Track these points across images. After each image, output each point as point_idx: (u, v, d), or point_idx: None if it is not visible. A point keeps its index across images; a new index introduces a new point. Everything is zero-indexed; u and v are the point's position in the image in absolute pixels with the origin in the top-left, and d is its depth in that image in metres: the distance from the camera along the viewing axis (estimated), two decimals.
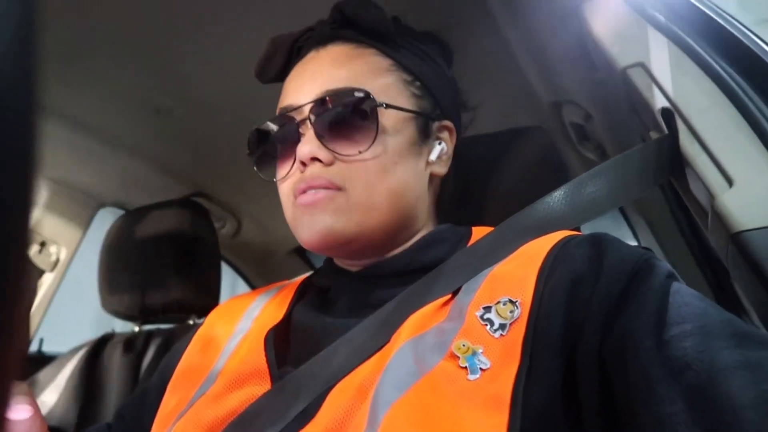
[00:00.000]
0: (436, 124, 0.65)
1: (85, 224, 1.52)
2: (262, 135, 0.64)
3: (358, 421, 0.42)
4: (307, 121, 0.59)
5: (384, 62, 0.63)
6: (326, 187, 0.57)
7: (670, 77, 0.62)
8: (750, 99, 0.58)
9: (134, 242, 1.30)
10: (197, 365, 0.61)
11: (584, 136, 1.09)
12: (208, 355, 0.61)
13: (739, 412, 0.35)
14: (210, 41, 1.07)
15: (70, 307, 1.67)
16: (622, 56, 0.68)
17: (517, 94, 1.10)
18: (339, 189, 0.57)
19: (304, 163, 0.58)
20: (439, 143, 0.65)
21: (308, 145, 0.58)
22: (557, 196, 0.60)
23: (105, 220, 1.49)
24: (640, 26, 0.67)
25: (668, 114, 0.62)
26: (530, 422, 0.41)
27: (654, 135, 0.67)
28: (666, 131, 0.63)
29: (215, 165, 1.53)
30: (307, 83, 0.61)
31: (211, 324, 0.67)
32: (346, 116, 0.58)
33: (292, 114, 0.61)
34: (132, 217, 1.37)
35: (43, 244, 1.44)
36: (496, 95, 0.78)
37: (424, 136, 0.63)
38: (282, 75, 0.67)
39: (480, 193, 0.80)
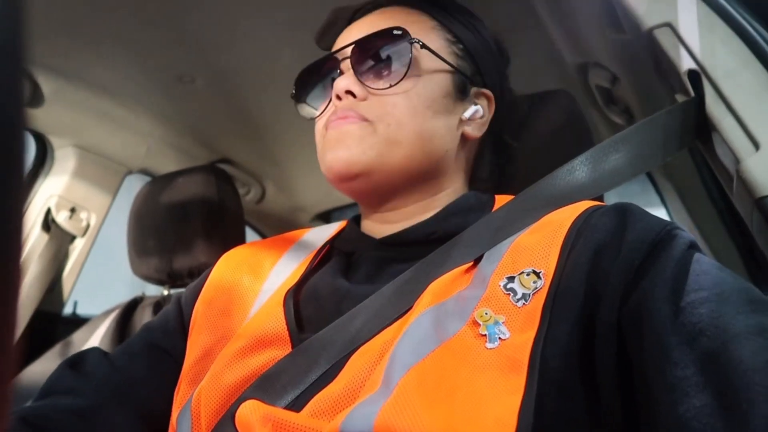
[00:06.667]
0: (474, 89, 0.67)
1: (114, 190, 1.55)
2: (307, 76, 0.68)
3: (373, 381, 0.43)
4: (347, 60, 0.62)
5: (429, 22, 0.66)
6: (354, 120, 0.60)
7: (698, 38, 0.60)
8: None
9: (161, 208, 1.33)
10: (226, 316, 0.61)
11: (611, 99, 1.07)
12: (239, 308, 0.62)
13: (750, 376, 0.35)
14: (232, 9, 1.07)
15: (106, 271, 1.72)
16: (648, 16, 0.65)
17: (541, 56, 1.08)
18: (367, 122, 0.60)
19: (339, 97, 0.61)
20: (476, 105, 0.66)
21: (345, 79, 0.61)
22: (579, 163, 0.59)
23: (132, 187, 1.51)
24: None
25: (695, 76, 0.60)
26: (547, 386, 0.41)
27: (680, 98, 0.65)
28: (692, 94, 0.62)
29: (239, 132, 1.54)
30: (353, 33, 0.64)
31: (233, 270, 0.67)
32: (383, 52, 0.62)
33: (335, 56, 0.64)
34: (158, 183, 1.39)
35: (73, 210, 1.47)
36: (520, 58, 0.76)
37: (461, 94, 0.65)
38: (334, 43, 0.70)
39: (502, 158, 0.79)
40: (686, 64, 0.61)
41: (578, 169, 0.58)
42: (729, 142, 0.55)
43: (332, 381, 0.48)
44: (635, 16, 0.67)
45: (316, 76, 0.67)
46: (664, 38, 0.64)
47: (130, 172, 1.59)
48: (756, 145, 0.53)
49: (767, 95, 0.54)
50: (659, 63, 0.69)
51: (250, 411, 0.47)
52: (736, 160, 0.54)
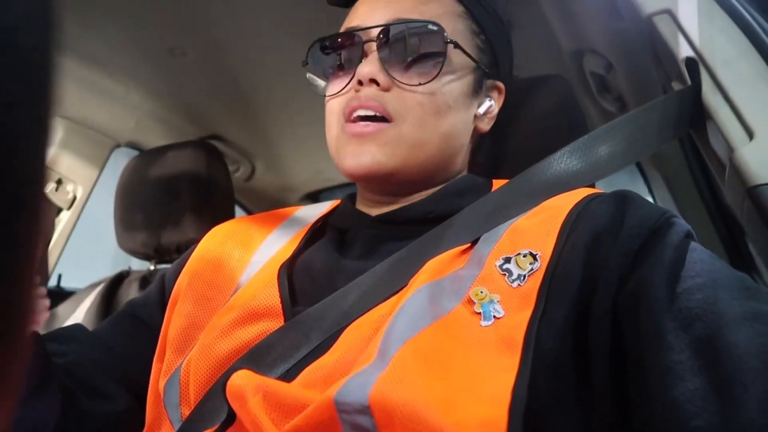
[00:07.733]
0: (489, 82, 0.66)
1: (101, 163, 1.53)
2: (323, 48, 0.64)
3: (368, 354, 0.44)
4: (372, 43, 0.59)
5: (457, 8, 0.63)
6: (377, 112, 0.57)
7: (697, 26, 0.60)
8: None
9: (149, 182, 1.31)
10: (213, 287, 0.61)
11: (604, 86, 1.07)
12: (227, 279, 0.61)
13: (744, 360, 0.36)
14: None
15: (90, 244, 1.70)
16: (648, 3, 0.65)
17: (537, 41, 1.08)
18: (390, 120, 0.57)
19: (361, 83, 0.58)
20: (489, 100, 0.66)
21: (370, 65, 0.58)
22: (574, 149, 0.59)
23: (120, 161, 1.50)
24: None
25: (692, 64, 0.61)
26: (541, 366, 0.42)
27: (677, 86, 0.65)
28: (689, 82, 0.62)
29: (230, 108, 1.52)
30: (380, 8, 0.61)
31: (221, 242, 0.66)
32: (416, 46, 0.58)
33: (359, 33, 0.60)
34: (147, 157, 1.38)
35: (59, 182, 1.45)
36: (515, 42, 0.76)
37: (479, 88, 0.64)
38: (350, 1, 0.67)
39: (496, 142, 0.79)
40: (684, 51, 0.61)
41: (574, 155, 0.59)
42: (724, 131, 0.56)
43: (325, 353, 0.48)
44: (635, 3, 0.67)
45: (333, 48, 0.63)
46: (662, 25, 0.64)
47: (118, 146, 1.56)
48: (750, 135, 0.54)
49: (763, 85, 0.55)
50: (657, 50, 0.69)
51: (242, 380, 0.47)
52: (730, 149, 0.55)
